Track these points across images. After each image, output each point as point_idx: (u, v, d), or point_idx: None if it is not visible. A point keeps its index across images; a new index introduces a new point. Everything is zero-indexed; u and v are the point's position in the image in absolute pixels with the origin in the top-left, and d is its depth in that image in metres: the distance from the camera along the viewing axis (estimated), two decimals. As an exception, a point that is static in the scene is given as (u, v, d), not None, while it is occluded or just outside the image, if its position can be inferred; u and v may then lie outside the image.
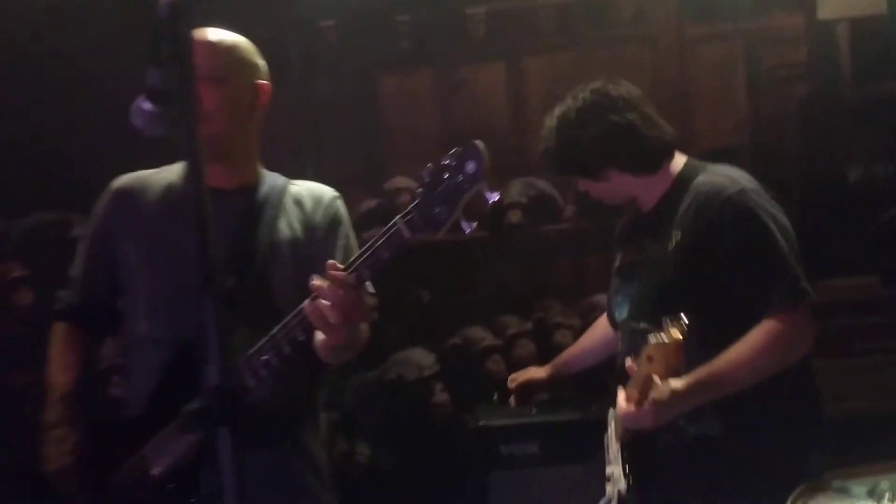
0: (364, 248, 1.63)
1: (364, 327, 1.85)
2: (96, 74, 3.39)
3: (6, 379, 3.68)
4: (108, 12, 3.47)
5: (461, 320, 3.89)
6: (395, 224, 1.59)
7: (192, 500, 1.76)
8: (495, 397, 2.83)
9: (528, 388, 2.63)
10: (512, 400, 2.62)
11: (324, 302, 1.60)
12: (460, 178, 1.52)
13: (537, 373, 2.64)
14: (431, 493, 3.38)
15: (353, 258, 1.63)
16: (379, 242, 1.60)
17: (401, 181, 3.82)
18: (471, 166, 1.52)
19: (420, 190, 1.57)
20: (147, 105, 1.40)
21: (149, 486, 1.80)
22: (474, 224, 1.56)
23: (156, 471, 1.78)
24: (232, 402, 1.30)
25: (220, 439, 1.38)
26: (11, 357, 3.67)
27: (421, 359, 3.77)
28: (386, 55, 4.09)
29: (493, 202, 1.55)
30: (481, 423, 3.09)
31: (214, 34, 1.91)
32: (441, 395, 3.73)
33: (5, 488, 3.27)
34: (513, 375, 2.68)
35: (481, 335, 3.82)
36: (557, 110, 2.24)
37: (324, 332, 1.67)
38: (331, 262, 1.64)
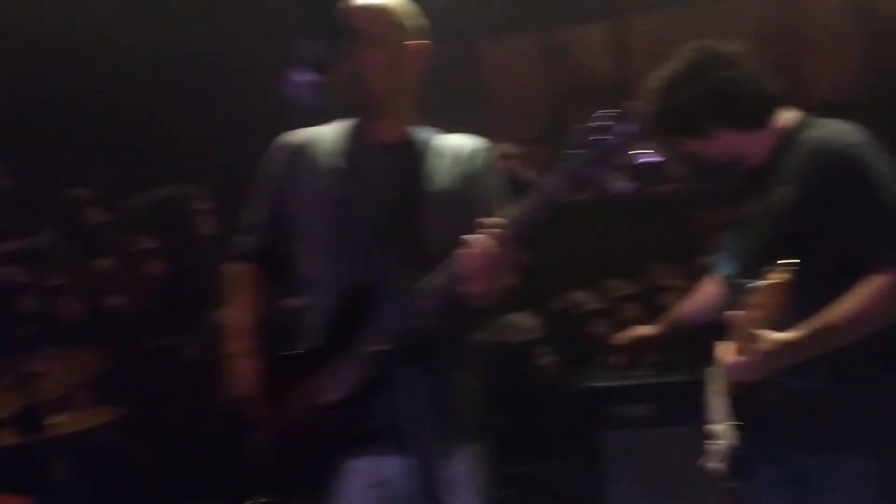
0: (516, 204, 1.73)
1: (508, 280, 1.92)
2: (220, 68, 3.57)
3: (138, 344, 3.96)
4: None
5: (565, 284, 3.92)
6: (548, 183, 1.66)
7: (360, 427, 1.93)
8: (606, 359, 2.85)
9: (639, 347, 2.64)
10: (622, 360, 2.64)
11: (474, 253, 1.72)
12: (615, 138, 1.57)
13: (647, 331, 2.65)
14: (542, 454, 3.45)
15: (504, 215, 1.74)
16: (530, 200, 1.68)
17: (506, 147, 3.85)
18: (625, 127, 1.58)
19: (574, 150, 1.63)
20: (303, 75, 1.50)
21: (321, 414, 1.96)
22: (630, 184, 1.61)
23: (328, 400, 1.95)
24: (406, 342, 1.48)
25: (401, 376, 1.64)
26: (143, 323, 3.94)
27: (525, 322, 3.83)
28: (486, 18, 4.10)
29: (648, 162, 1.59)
30: (591, 384, 3.13)
31: (369, 1, 2.01)
32: (546, 358, 3.79)
33: (143, 440, 3.55)
34: (621, 335, 2.69)
35: (585, 298, 3.85)
36: (662, 70, 2.23)
37: (469, 282, 1.79)
38: (485, 219, 1.76)
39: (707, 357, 2.76)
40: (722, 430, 2.06)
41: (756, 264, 2.07)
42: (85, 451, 3.21)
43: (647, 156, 1.57)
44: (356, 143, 2.06)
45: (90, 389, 3.32)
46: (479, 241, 1.72)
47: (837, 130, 2.06)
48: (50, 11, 3.88)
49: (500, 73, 4.18)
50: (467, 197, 2.04)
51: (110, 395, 3.40)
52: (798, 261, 1.74)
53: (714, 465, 2.09)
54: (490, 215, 1.79)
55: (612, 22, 4.11)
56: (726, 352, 1.91)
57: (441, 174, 2.05)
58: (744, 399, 1.98)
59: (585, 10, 4.10)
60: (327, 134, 2.12)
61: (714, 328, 2.39)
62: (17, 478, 3.03)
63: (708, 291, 2.55)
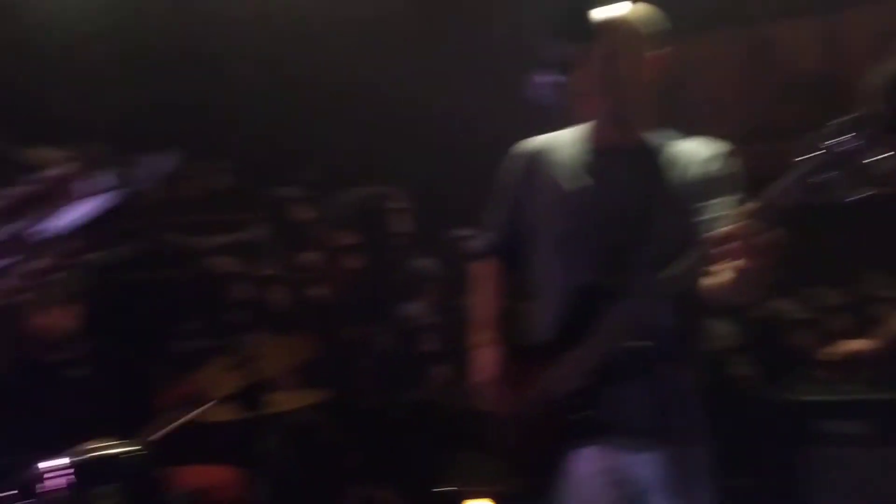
0: (760, 198, 1.73)
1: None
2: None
3: (338, 333, 4.18)
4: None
5: (768, 291, 3.73)
6: (781, 187, 1.67)
7: (591, 417, 1.98)
8: (812, 371, 2.70)
9: (852, 362, 2.48)
10: (832, 374, 2.50)
11: (726, 248, 1.73)
12: (850, 143, 1.54)
13: (862, 345, 2.49)
14: (742, 466, 3.31)
15: (748, 208, 1.74)
16: (775, 194, 1.69)
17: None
18: (863, 134, 1.53)
19: (812, 155, 1.62)
20: (545, 77, 1.56)
21: (554, 404, 2.04)
22: (863, 190, 1.57)
23: (560, 390, 2.02)
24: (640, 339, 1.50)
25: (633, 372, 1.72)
26: (342, 315, 4.17)
27: (721, 330, 3.69)
28: (687, 15, 3.99)
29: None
30: (797, 397, 2.96)
31: (615, 10, 2.10)
32: (744, 368, 3.63)
33: (340, 422, 3.75)
34: (832, 349, 2.54)
35: (789, 307, 3.65)
36: (885, 67, 2.10)
37: (726, 275, 1.80)
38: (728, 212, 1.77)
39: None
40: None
41: None
42: (290, 429, 3.43)
43: (881, 160, 1.49)
44: (592, 147, 2.11)
45: (297, 373, 3.54)
46: (727, 235, 1.74)
47: None
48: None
49: (706, 71, 4.05)
50: (702, 201, 2.03)
51: (314, 379, 3.61)
52: None
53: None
54: (724, 220, 1.81)
55: (823, 18, 3.88)
56: None
57: (677, 179, 2.07)
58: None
59: (795, 5, 3.90)
60: (563, 139, 2.19)
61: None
62: (228, 451, 3.29)
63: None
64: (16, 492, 2.44)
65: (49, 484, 2.46)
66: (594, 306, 1.96)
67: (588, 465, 2.01)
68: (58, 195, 0.96)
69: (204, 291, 4.15)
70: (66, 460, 2.52)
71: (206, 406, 2.98)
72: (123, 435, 2.72)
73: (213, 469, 3.20)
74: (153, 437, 2.96)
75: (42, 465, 2.49)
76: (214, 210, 4.25)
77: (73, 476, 2.49)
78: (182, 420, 2.98)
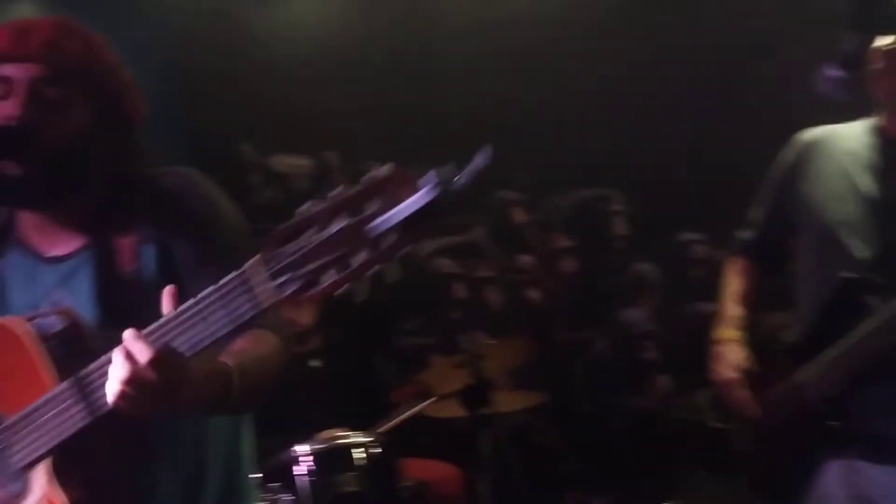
0: None
1: None
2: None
3: (553, 337, 4.18)
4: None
5: None
6: None
7: (844, 421, 1.87)
8: None
9: None
10: None
11: None
12: None
13: None
14: None
15: None
16: None
17: None
18: None
19: None
20: (835, 71, 1.49)
21: (803, 410, 1.95)
22: None
23: (815, 394, 1.93)
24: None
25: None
26: (557, 318, 4.16)
27: None
28: None
29: None
30: None
31: None
32: None
33: (556, 427, 3.74)
34: None
35: None
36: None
37: None
38: None
39: None
40: None
41: None
42: (509, 430, 3.47)
43: None
44: (882, 139, 1.98)
45: (515, 375, 3.58)
46: None
47: None
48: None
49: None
50: None
51: (530, 382, 3.63)
52: None
53: None
54: None
55: None
56: None
57: None
58: None
59: None
60: (846, 131, 2.09)
61: None
62: (450, 447, 3.38)
63: None
64: (271, 474, 2.65)
65: (297, 469, 2.67)
66: (861, 303, 1.85)
67: (837, 481, 1.87)
68: (385, 193, 1.03)
69: (427, 291, 4.30)
70: (307, 447, 2.71)
71: (429, 401, 3.08)
72: (357, 426, 2.89)
73: (437, 464, 3.31)
74: (382, 429, 3.12)
75: (295, 449, 2.70)
76: (435, 213, 4.39)
77: (313, 463, 2.67)
78: (407, 414, 3.11)
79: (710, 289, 2.39)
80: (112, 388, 1.17)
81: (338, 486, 2.68)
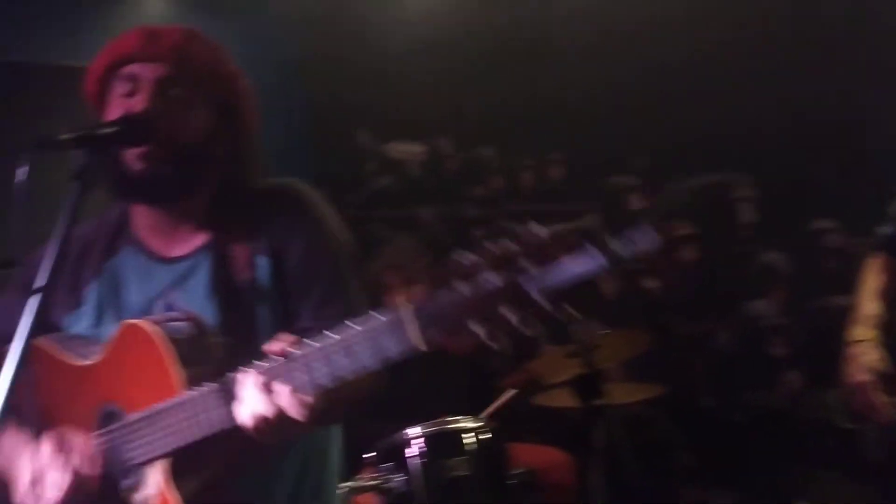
0: None
1: None
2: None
3: (672, 329, 4.03)
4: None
5: None
6: None
7: None
8: None
9: None
10: None
11: None
12: None
13: None
14: None
15: None
16: None
17: None
18: None
19: None
20: None
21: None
22: None
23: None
24: None
25: None
26: (677, 309, 4.01)
27: None
28: None
29: None
30: None
31: None
32: None
33: (674, 421, 3.61)
34: None
35: None
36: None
37: None
38: None
39: None
40: None
41: None
42: (624, 422, 3.38)
43: None
44: None
45: (631, 366, 3.47)
46: None
47: None
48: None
49: None
50: None
51: (646, 373, 3.53)
52: None
53: None
54: None
55: None
56: None
57: None
58: None
59: None
60: None
61: None
62: (563, 436, 3.32)
63: None
64: (384, 454, 2.68)
65: (409, 451, 2.68)
66: None
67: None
68: (545, 255, 1.01)
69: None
70: (419, 430, 2.72)
71: (529, 391, 3.02)
72: (466, 411, 2.88)
73: (548, 450, 3.26)
74: (488, 414, 3.09)
75: (407, 432, 2.72)
76: (548, 199, 4.32)
77: (424, 446, 2.68)
78: (506, 398, 3.06)
79: (845, 281, 2.24)
80: (247, 415, 1.20)
81: (448, 470, 2.67)
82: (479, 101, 4.47)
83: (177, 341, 1.31)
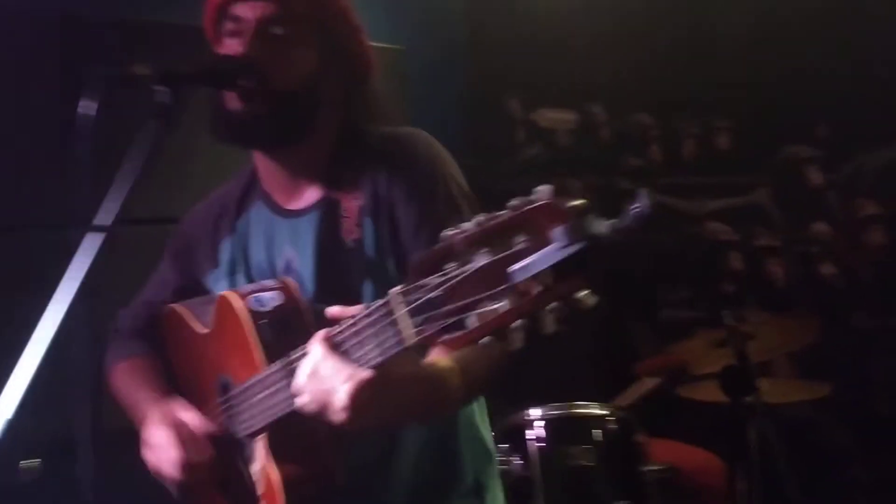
0: None
1: None
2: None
3: (849, 321, 3.62)
4: None
5: None
6: None
7: None
8: None
9: None
10: None
11: None
12: None
13: None
14: None
15: None
16: None
17: None
18: None
19: None
20: None
21: None
22: None
23: None
24: None
25: None
26: (856, 298, 3.60)
27: None
28: None
29: None
30: None
31: None
32: None
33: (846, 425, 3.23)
34: None
35: None
36: None
37: None
38: None
39: None
40: None
41: None
42: (783, 423, 3.05)
43: None
44: None
45: (796, 361, 3.14)
46: None
47: None
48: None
49: None
50: None
51: (815, 370, 3.18)
52: None
53: None
54: None
55: None
56: None
57: None
58: None
59: None
60: None
61: None
62: (711, 434, 3.05)
63: None
64: (503, 434, 2.55)
65: (529, 433, 2.53)
66: None
67: None
68: (533, 227, 0.87)
69: (697, 258, 3.95)
70: (539, 412, 2.57)
71: (677, 380, 2.79)
72: (598, 397, 2.69)
73: (693, 450, 3.00)
74: (623, 403, 2.88)
75: (529, 413, 2.57)
76: (713, 171, 3.99)
77: (545, 430, 2.52)
78: (647, 388, 2.84)
79: None
80: (301, 400, 1.14)
81: (570, 459, 2.51)
82: (635, 64, 4.17)
83: (261, 315, 1.28)
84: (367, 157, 1.40)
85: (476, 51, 4.65)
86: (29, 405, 1.12)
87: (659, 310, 3.88)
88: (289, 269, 1.40)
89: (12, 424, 1.07)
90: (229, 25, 1.39)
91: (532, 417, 2.57)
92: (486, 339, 0.92)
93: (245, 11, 1.37)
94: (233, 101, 1.35)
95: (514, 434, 2.57)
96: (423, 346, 1.08)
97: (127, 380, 1.51)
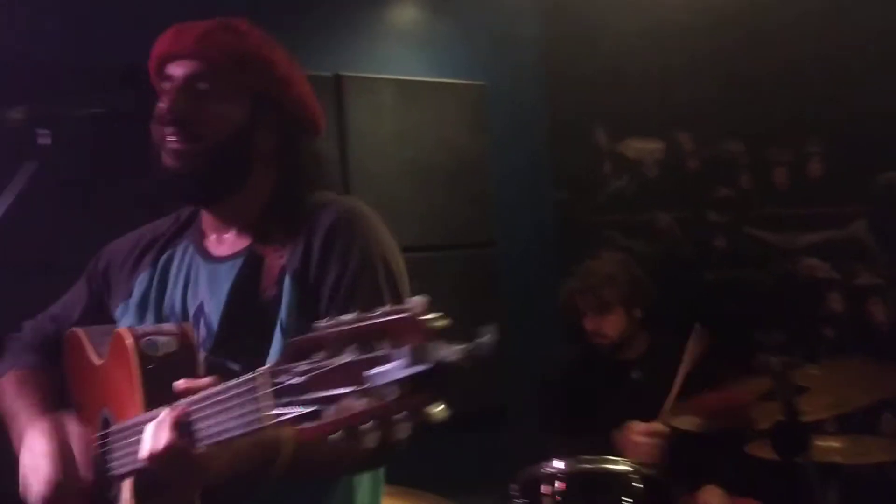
0: None
1: None
2: None
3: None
4: None
5: None
6: None
7: None
8: None
9: None
10: None
11: None
12: None
13: None
14: None
15: None
16: None
17: None
18: None
19: None
20: None
21: None
22: None
23: None
24: None
25: None
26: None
27: None
28: None
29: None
30: None
31: None
32: None
33: None
34: None
35: None
36: None
37: None
38: None
39: None
40: None
41: None
42: (860, 486, 2.79)
43: None
44: None
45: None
46: None
47: None
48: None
49: None
50: None
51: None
52: None
53: None
54: None
55: None
56: None
57: None
58: None
59: None
60: None
61: None
62: (767, 489, 2.84)
63: None
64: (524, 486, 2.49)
65: (545, 488, 2.45)
66: None
67: None
68: (396, 336, 0.91)
69: (793, 298, 3.69)
70: (562, 464, 2.49)
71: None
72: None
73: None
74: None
75: (550, 465, 2.50)
76: (805, 202, 3.73)
77: (565, 487, 2.43)
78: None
79: None
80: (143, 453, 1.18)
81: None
82: (720, 92, 3.98)
83: (150, 358, 1.31)
84: (300, 220, 1.42)
85: (558, 82, 4.61)
86: None
87: (753, 355, 3.65)
88: (200, 313, 1.44)
89: None
90: (165, 85, 1.46)
91: (552, 471, 2.48)
92: (337, 435, 0.94)
93: (174, 70, 1.45)
94: (168, 159, 1.41)
95: (531, 488, 2.48)
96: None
97: (15, 389, 1.55)
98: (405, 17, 4.29)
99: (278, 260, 1.39)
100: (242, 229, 1.47)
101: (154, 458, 1.16)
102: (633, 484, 2.41)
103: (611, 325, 3.20)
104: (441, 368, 0.89)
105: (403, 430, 0.91)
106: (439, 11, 4.34)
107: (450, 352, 0.89)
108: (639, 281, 3.27)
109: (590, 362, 3.26)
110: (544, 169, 4.51)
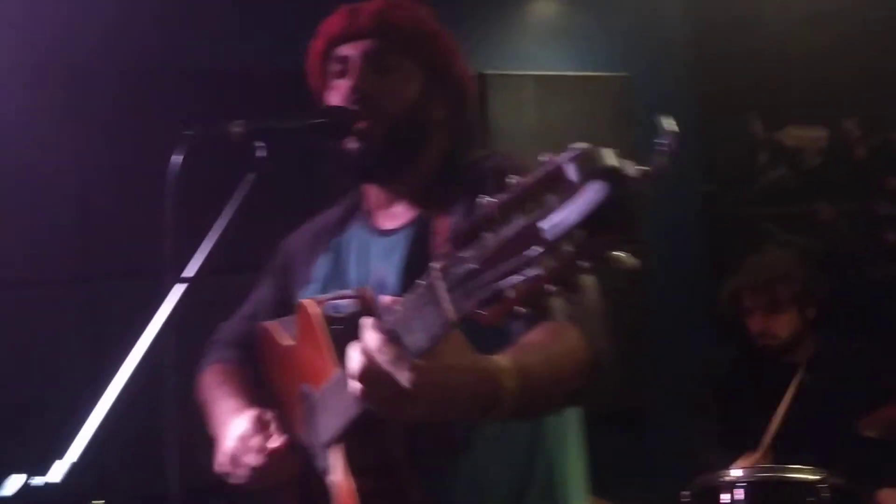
0: None
1: None
2: None
3: None
4: None
5: None
6: None
7: None
8: None
9: None
10: None
11: None
12: None
13: None
14: None
15: None
16: None
17: None
18: None
19: None
20: None
21: None
22: None
23: None
24: None
25: None
26: None
27: None
28: None
29: None
30: None
31: None
32: None
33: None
34: None
35: None
36: None
37: None
38: None
39: None
40: None
41: None
42: None
43: None
44: None
45: None
46: None
47: None
48: None
49: None
50: None
51: None
52: None
53: None
54: None
55: None
56: None
57: None
58: None
59: None
60: None
61: None
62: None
63: None
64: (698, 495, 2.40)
65: (724, 496, 2.36)
66: None
67: None
68: (557, 187, 0.81)
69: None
70: (741, 473, 2.38)
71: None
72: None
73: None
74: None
75: (729, 473, 2.40)
76: None
77: (744, 495, 2.33)
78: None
79: None
80: (351, 385, 1.13)
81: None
82: (894, 72, 3.70)
83: (335, 319, 1.32)
84: (461, 181, 1.44)
85: (707, 71, 4.43)
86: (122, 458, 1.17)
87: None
88: (382, 286, 1.45)
89: (77, 468, 1.14)
90: (336, 67, 1.50)
91: (730, 479, 2.38)
92: (523, 310, 0.87)
93: (349, 50, 1.48)
94: (350, 142, 1.45)
95: (707, 496, 2.40)
96: (481, 333, 1.03)
97: (215, 381, 1.62)
98: (545, 11, 4.24)
99: (447, 221, 1.41)
100: (411, 200, 1.50)
101: (364, 371, 1.08)
102: (822, 494, 2.26)
103: (782, 325, 3.02)
104: (621, 194, 0.76)
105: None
106: (578, 3, 4.26)
107: (625, 162, 0.76)
108: (814, 278, 3.08)
109: (753, 364, 3.09)
110: (692, 160, 4.34)
